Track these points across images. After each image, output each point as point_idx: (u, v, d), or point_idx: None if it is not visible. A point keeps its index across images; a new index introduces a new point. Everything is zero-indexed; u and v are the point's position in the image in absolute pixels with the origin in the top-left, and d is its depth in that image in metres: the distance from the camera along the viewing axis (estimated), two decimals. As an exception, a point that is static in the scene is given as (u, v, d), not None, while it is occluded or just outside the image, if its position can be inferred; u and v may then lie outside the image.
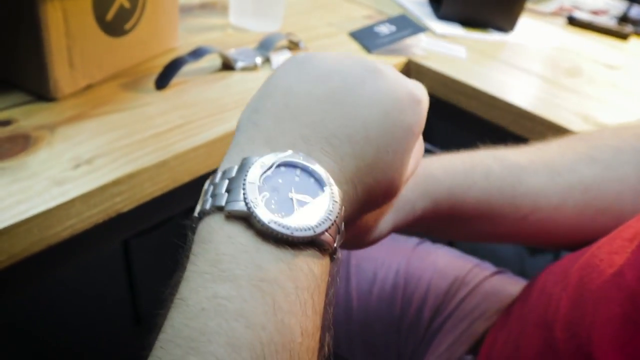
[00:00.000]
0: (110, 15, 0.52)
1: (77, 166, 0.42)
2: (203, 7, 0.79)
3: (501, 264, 0.65)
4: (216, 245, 0.24)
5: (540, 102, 0.69)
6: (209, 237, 0.24)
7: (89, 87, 0.52)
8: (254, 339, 0.21)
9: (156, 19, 0.58)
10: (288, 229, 0.24)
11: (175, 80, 0.56)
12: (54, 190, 0.39)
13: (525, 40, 0.93)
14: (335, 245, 0.26)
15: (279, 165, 0.26)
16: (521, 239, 0.48)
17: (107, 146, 0.45)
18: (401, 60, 0.72)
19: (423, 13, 0.94)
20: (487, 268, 0.62)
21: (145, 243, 1.38)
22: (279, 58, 0.65)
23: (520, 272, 0.64)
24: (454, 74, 0.71)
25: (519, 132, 0.68)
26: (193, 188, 0.50)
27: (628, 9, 1.17)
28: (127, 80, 0.55)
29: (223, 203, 0.25)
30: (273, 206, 0.25)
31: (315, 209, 0.26)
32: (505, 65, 0.80)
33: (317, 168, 0.26)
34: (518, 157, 0.46)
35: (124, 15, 0.54)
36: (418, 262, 0.62)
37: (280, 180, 0.26)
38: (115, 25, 0.53)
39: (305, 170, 0.26)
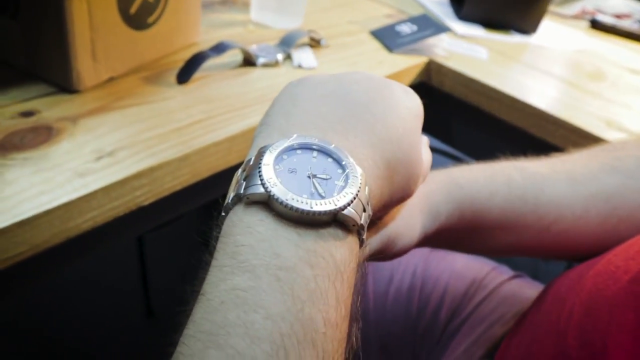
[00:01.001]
0: (133, 9, 0.52)
1: (99, 158, 0.42)
2: (224, 2, 0.79)
3: (516, 268, 0.64)
4: (235, 238, 0.24)
5: (563, 105, 0.68)
6: (230, 230, 0.24)
7: (111, 80, 0.53)
8: (274, 330, 0.21)
9: (179, 13, 0.58)
10: (307, 204, 0.24)
11: (196, 74, 0.56)
12: (76, 181, 0.39)
13: (548, 43, 0.91)
14: (360, 221, 0.25)
15: (294, 149, 0.26)
16: (545, 251, 0.47)
17: (129, 139, 0.45)
18: (422, 60, 0.72)
19: (444, 13, 0.93)
20: (505, 272, 0.61)
21: (159, 237, 1.38)
22: (301, 55, 0.65)
23: (534, 277, 0.63)
24: (475, 75, 0.70)
25: (539, 134, 0.67)
26: (213, 183, 0.50)
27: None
28: (149, 74, 0.55)
29: (242, 190, 0.25)
30: (291, 186, 0.24)
31: (335, 186, 0.25)
32: (527, 67, 0.79)
33: (334, 147, 0.26)
34: (539, 167, 0.45)
35: (148, 8, 0.54)
36: (435, 263, 0.62)
37: (297, 162, 0.26)
38: (138, 19, 0.53)
39: (322, 150, 0.26)
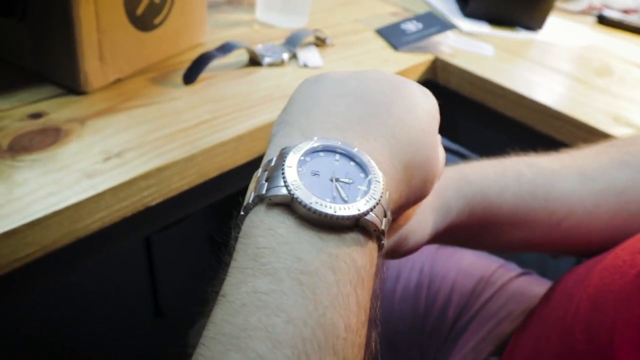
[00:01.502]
0: (140, 10, 0.52)
1: (107, 159, 0.42)
2: (230, 2, 0.79)
3: (523, 265, 0.64)
4: (256, 239, 0.24)
5: (569, 101, 0.68)
6: (250, 231, 0.24)
7: (118, 81, 0.53)
8: (295, 334, 0.21)
9: (185, 14, 0.58)
10: (331, 208, 0.23)
11: (203, 75, 0.56)
12: (85, 182, 0.39)
13: (554, 39, 0.91)
14: (382, 227, 0.25)
15: (317, 151, 0.26)
16: (555, 246, 0.47)
17: (137, 140, 0.45)
18: (428, 58, 0.72)
19: (449, 10, 0.93)
20: (513, 269, 0.61)
21: (166, 237, 1.39)
22: (306, 54, 0.65)
23: (542, 274, 0.63)
24: (480, 72, 0.70)
25: (546, 131, 0.66)
26: (220, 183, 0.50)
27: (660, 7, 1.15)
28: (156, 75, 0.56)
29: (264, 191, 0.25)
30: (314, 189, 0.24)
31: (358, 191, 0.25)
32: (534, 64, 0.78)
33: (357, 151, 0.26)
34: (549, 163, 0.45)
35: (154, 9, 0.54)
36: (442, 261, 0.62)
37: (320, 165, 0.26)
38: (145, 20, 0.53)
39: (345, 153, 0.26)
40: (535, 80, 0.72)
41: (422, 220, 0.39)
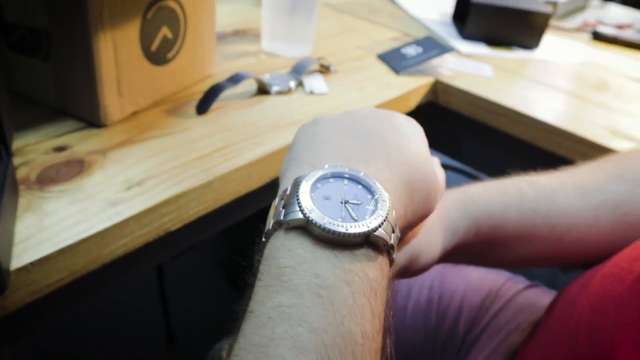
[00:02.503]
0: (154, 46, 0.55)
1: (129, 188, 0.45)
2: (236, 34, 0.82)
3: (532, 278, 0.66)
4: (278, 260, 0.26)
5: (568, 117, 0.70)
6: (272, 254, 0.27)
7: (135, 114, 0.56)
8: (318, 342, 0.23)
9: (195, 48, 0.61)
10: (343, 227, 0.26)
11: (214, 105, 0.58)
12: (109, 210, 0.42)
13: (551, 57, 0.94)
14: (391, 242, 0.28)
15: (327, 178, 0.29)
16: (559, 260, 0.49)
17: (155, 169, 0.48)
18: (429, 80, 0.74)
19: (448, 34, 0.96)
20: (520, 282, 0.63)
21: (177, 264, 1.41)
22: (312, 81, 0.68)
23: (552, 287, 0.64)
24: (481, 93, 0.73)
25: (547, 147, 0.69)
26: (235, 207, 0.52)
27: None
28: (170, 107, 0.58)
29: (282, 217, 0.27)
30: (327, 211, 0.27)
31: (366, 210, 0.28)
32: (532, 82, 0.81)
33: (363, 175, 0.29)
34: (549, 180, 0.48)
35: (167, 45, 0.57)
36: (451, 277, 0.63)
37: (330, 190, 0.29)
38: (159, 55, 0.56)
39: (352, 178, 0.29)
40: (534, 98, 0.75)
41: (432, 240, 0.41)
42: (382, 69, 0.77)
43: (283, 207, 0.28)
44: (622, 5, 1.47)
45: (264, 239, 0.29)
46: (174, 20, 0.56)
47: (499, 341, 0.54)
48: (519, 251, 0.47)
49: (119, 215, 0.42)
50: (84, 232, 0.39)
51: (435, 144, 0.86)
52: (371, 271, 0.27)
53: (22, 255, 0.37)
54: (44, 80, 0.52)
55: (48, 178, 0.44)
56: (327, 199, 0.28)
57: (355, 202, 0.28)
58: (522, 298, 0.59)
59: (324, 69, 0.72)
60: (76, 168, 0.46)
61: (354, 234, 0.26)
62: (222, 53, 0.74)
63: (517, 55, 0.92)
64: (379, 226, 0.27)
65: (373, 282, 0.27)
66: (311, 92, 0.66)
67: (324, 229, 0.26)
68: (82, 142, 0.50)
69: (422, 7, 1.10)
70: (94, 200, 0.43)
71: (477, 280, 0.62)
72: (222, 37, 0.80)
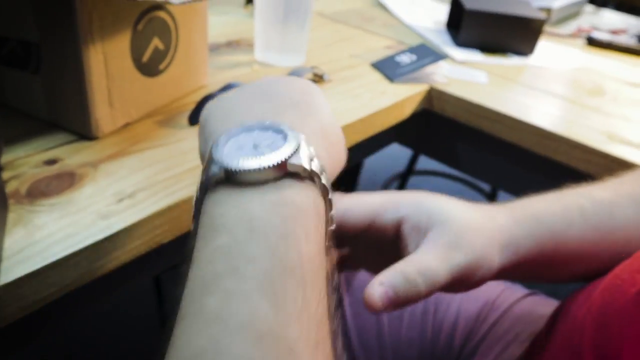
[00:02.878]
0: (146, 57, 0.55)
1: (121, 200, 0.44)
2: (229, 44, 0.82)
3: (532, 286, 0.65)
4: (209, 213, 0.28)
5: (564, 122, 0.70)
6: (204, 210, 0.29)
7: (126, 126, 0.55)
8: (257, 268, 0.25)
9: (188, 59, 0.61)
10: (260, 164, 0.28)
11: (207, 115, 0.58)
12: (100, 223, 0.41)
13: (546, 63, 0.94)
14: (310, 168, 0.29)
15: (238, 134, 0.31)
16: None
17: (147, 181, 0.47)
18: (423, 88, 0.74)
19: (442, 41, 0.96)
20: (518, 290, 0.62)
21: (175, 276, 1.40)
22: (305, 90, 0.67)
23: (553, 295, 0.63)
24: (475, 99, 0.72)
25: (544, 153, 0.68)
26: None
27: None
28: (162, 118, 0.58)
29: (204, 179, 0.30)
30: (242, 157, 0.29)
31: (280, 147, 0.30)
32: (527, 88, 0.81)
33: (270, 122, 0.31)
34: (603, 193, 0.46)
35: (159, 56, 0.57)
36: None
37: (242, 141, 0.31)
38: (150, 66, 0.56)
39: (261, 127, 0.31)
40: (530, 104, 0.74)
41: (490, 254, 0.39)
42: (377, 77, 0.76)
43: (204, 171, 0.30)
44: (615, 11, 1.47)
45: (195, 208, 0.31)
46: (165, 32, 0.56)
47: (496, 353, 0.53)
48: (575, 269, 0.45)
49: (110, 228, 0.41)
50: (74, 245, 0.39)
51: (432, 151, 0.86)
52: (297, 197, 0.29)
53: (12, 270, 0.36)
54: (35, 93, 0.52)
55: (38, 191, 0.44)
56: (239, 148, 0.30)
57: (268, 142, 0.30)
58: (519, 307, 0.58)
59: (318, 78, 0.72)
60: (67, 181, 0.45)
61: (269, 167, 0.28)
62: (215, 64, 0.74)
63: (512, 61, 0.92)
64: (293, 154, 0.29)
65: (300, 206, 0.28)
66: (305, 101, 0.65)
67: (242, 171, 0.28)
68: (73, 155, 0.49)
69: (416, 15, 1.11)
70: (84, 213, 0.42)
71: (473, 290, 0.61)
72: (215, 48, 0.80)
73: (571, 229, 0.43)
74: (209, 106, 0.37)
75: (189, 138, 0.55)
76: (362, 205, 0.42)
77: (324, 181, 0.30)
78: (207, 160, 0.30)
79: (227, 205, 0.28)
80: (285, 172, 0.29)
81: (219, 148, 0.30)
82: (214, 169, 0.29)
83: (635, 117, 0.76)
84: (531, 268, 0.43)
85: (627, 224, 0.44)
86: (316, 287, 0.27)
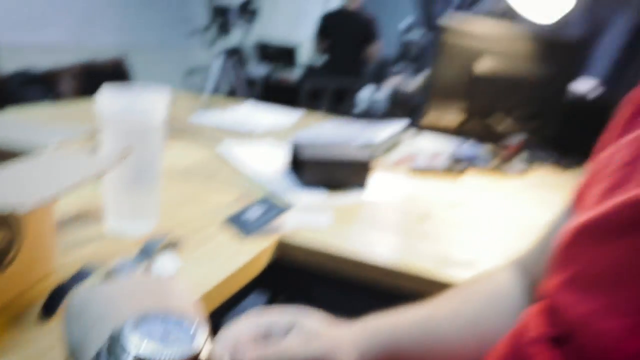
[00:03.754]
0: (-12, 260, 0.53)
1: None
2: (78, 217, 0.81)
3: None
4: None
5: (400, 254, 0.79)
6: None
7: (-31, 335, 0.52)
8: None
9: (35, 249, 0.60)
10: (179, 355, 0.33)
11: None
12: None
13: (379, 197, 1.05)
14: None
15: (142, 323, 0.35)
16: None
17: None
18: (274, 240, 0.79)
19: (287, 184, 1.04)
20: None
21: None
22: (161, 262, 0.69)
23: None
24: (320, 244, 0.79)
25: (388, 286, 0.76)
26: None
27: (457, 148, 1.39)
28: (8, 318, 0.55)
29: None
30: (157, 349, 0.33)
31: (190, 340, 0.34)
32: (366, 224, 0.90)
33: (164, 313, 0.36)
34: (425, 310, 0.57)
35: (2, 252, 0.55)
36: None
37: (151, 329, 0.34)
38: (-7, 267, 0.54)
39: (161, 318, 0.36)
40: (369, 241, 0.83)
41: (346, 352, 0.50)
42: (230, 234, 0.80)
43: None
44: (433, 132, 1.68)
45: None
46: (8, 225, 0.55)
47: None
48: None
49: None
50: None
51: (288, 303, 0.89)
52: None
53: None
54: None
55: None
56: (151, 337, 0.33)
57: (176, 335, 0.34)
58: None
59: (174, 245, 0.74)
60: None
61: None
62: (64, 242, 0.72)
63: (351, 198, 1.02)
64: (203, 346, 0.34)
65: None
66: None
67: None
68: None
69: (257, 165, 1.15)
70: None
71: None
72: (63, 223, 0.78)
73: (405, 338, 0.54)
74: (77, 303, 0.40)
75: (44, 335, 0.53)
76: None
77: None
78: (109, 347, 0.33)
79: None
80: None
81: (125, 336, 0.33)
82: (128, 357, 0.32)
83: (459, 236, 0.88)
84: None
85: (445, 336, 0.55)
86: None
